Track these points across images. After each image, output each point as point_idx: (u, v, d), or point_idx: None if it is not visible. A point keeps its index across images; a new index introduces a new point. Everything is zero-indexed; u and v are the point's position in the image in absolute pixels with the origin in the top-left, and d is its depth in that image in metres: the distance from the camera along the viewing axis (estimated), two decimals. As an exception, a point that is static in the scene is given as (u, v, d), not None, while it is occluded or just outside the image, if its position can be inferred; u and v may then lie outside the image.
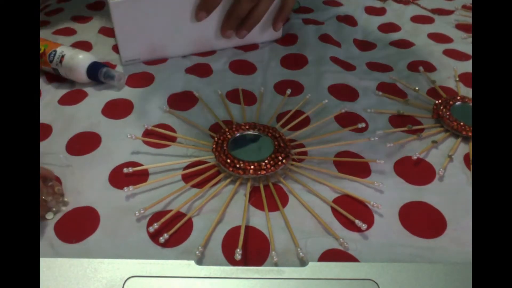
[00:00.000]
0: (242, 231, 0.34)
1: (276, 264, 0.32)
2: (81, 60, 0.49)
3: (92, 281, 0.28)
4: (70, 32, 0.63)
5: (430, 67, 0.56)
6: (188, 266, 0.29)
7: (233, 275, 0.29)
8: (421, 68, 0.55)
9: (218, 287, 0.28)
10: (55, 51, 0.50)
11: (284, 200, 0.37)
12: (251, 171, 0.38)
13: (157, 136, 0.44)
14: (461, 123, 0.44)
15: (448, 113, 0.45)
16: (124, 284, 0.28)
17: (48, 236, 0.34)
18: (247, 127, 0.43)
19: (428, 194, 0.38)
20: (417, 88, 0.51)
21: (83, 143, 0.43)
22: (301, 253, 0.32)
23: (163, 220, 0.35)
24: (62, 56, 0.49)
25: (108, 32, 0.63)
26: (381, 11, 0.71)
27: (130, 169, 0.39)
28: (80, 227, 0.35)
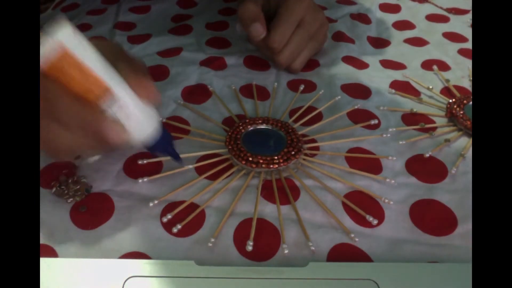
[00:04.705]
0: (254, 223, 0.34)
1: (286, 257, 0.33)
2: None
3: (92, 281, 0.28)
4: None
5: (444, 66, 0.55)
6: (188, 266, 0.29)
7: (233, 275, 0.29)
8: (435, 67, 0.54)
9: (218, 287, 0.28)
10: None
11: (296, 194, 0.38)
12: (263, 164, 0.38)
13: (171, 129, 0.44)
14: (475, 122, 0.44)
15: (461, 112, 0.45)
16: (124, 284, 0.28)
17: (63, 222, 0.35)
18: (260, 121, 0.43)
19: (439, 192, 0.38)
20: (430, 87, 0.50)
21: (99, 134, 0.43)
22: (312, 247, 0.33)
23: (176, 210, 0.35)
24: None
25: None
26: (395, 9, 0.70)
27: (145, 161, 0.40)
28: (95, 214, 0.36)
